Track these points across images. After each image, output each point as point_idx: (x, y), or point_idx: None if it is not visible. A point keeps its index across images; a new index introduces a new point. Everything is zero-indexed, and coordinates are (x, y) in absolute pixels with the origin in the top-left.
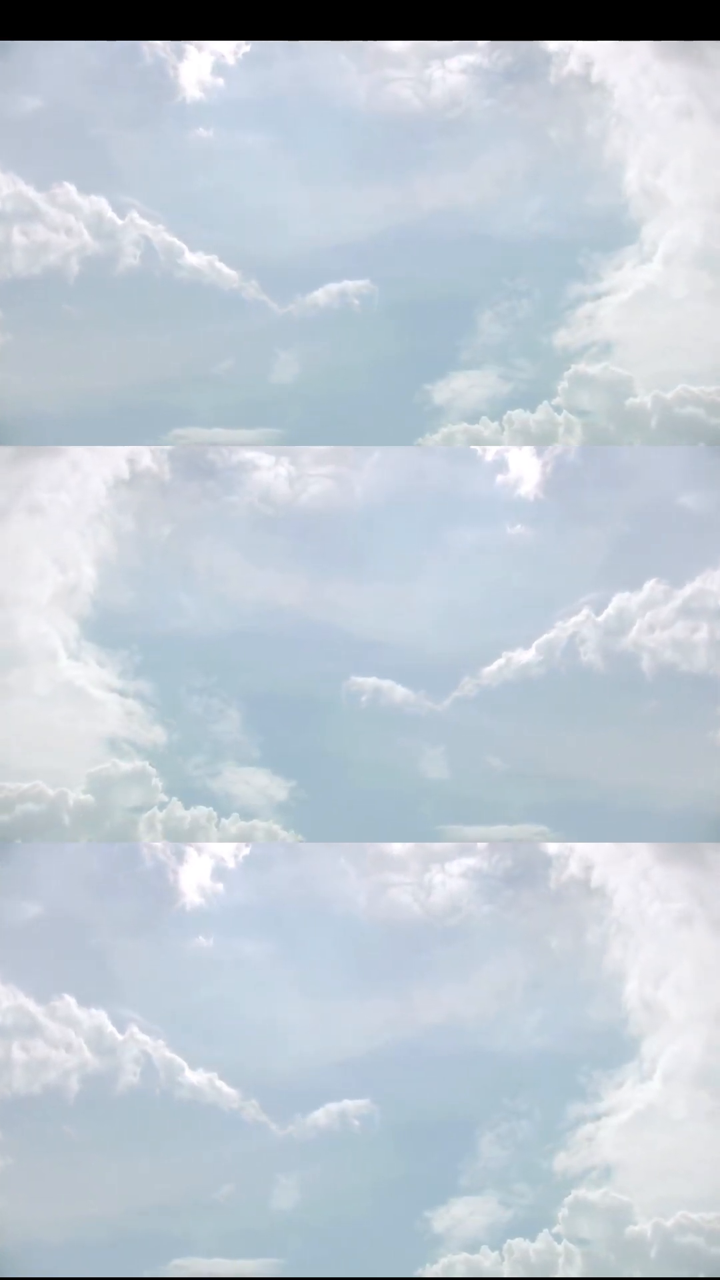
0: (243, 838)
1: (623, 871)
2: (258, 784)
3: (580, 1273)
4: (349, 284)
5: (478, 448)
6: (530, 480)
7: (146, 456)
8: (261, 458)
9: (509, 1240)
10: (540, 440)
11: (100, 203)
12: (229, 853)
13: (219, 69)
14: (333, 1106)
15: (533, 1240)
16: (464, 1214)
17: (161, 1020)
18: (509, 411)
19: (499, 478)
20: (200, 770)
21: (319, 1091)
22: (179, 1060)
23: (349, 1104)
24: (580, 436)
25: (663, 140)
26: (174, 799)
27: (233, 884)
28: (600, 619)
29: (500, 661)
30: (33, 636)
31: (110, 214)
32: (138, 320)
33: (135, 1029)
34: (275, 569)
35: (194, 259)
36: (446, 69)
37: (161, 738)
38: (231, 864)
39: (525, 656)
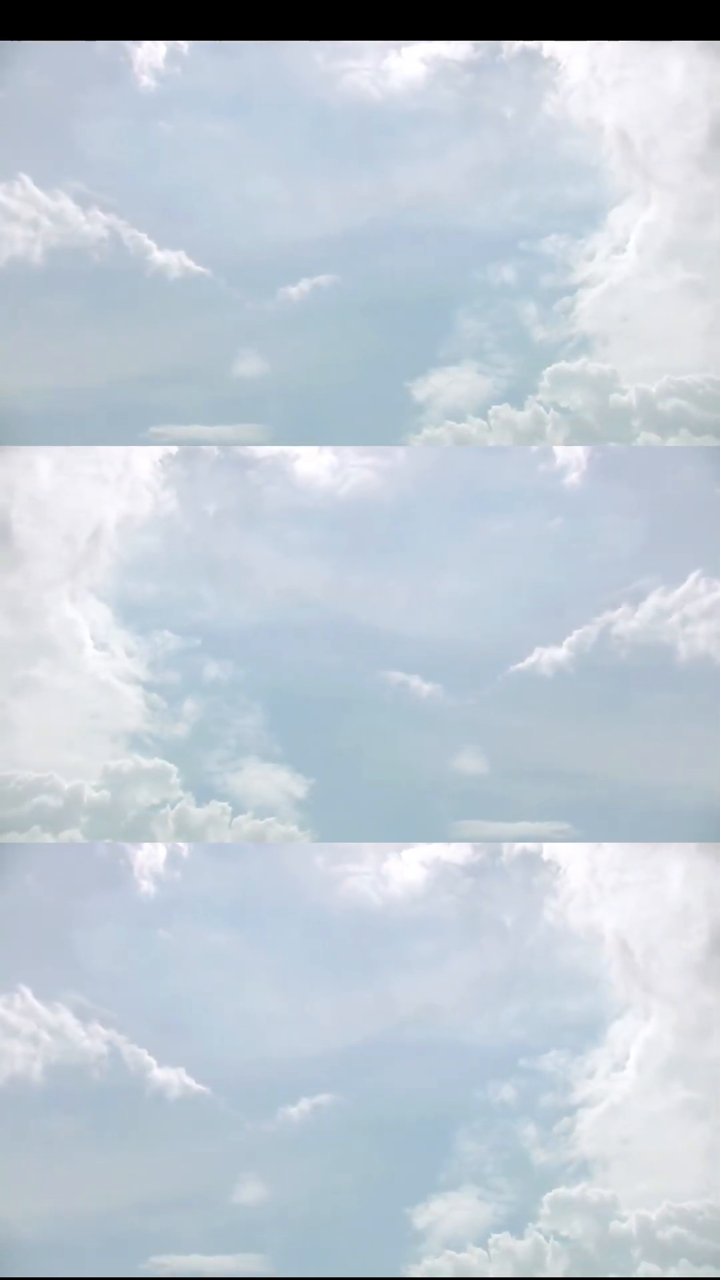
0: (256, 836)
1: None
2: (277, 780)
3: (567, 1266)
4: (322, 279)
5: (538, 446)
6: (567, 475)
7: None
8: (303, 449)
9: (493, 1235)
10: (528, 437)
11: (65, 197)
12: (186, 843)
13: (183, 61)
14: (305, 1102)
15: (518, 1235)
16: (444, 1210)
17: (130, 1015)
18: (493, 407)
19: (536, 472)
20: (221, 766)
21: (291, 1086)
22: (147, 1056)
23: (322, 1098)
24: (567, 433)
25: (624, 118)
26: (188, 795)
27: (193, 874)
28: (636, 613)
29: (532, 658)
30: (60, 626)
31: (75, 208)
32: (108, 316)
33: (99, 1024)
34: (310, 561)
35: (164, 255)
36: (404, 59)
37: (182, 732)
38: (193, 855)
39: (557, 653)
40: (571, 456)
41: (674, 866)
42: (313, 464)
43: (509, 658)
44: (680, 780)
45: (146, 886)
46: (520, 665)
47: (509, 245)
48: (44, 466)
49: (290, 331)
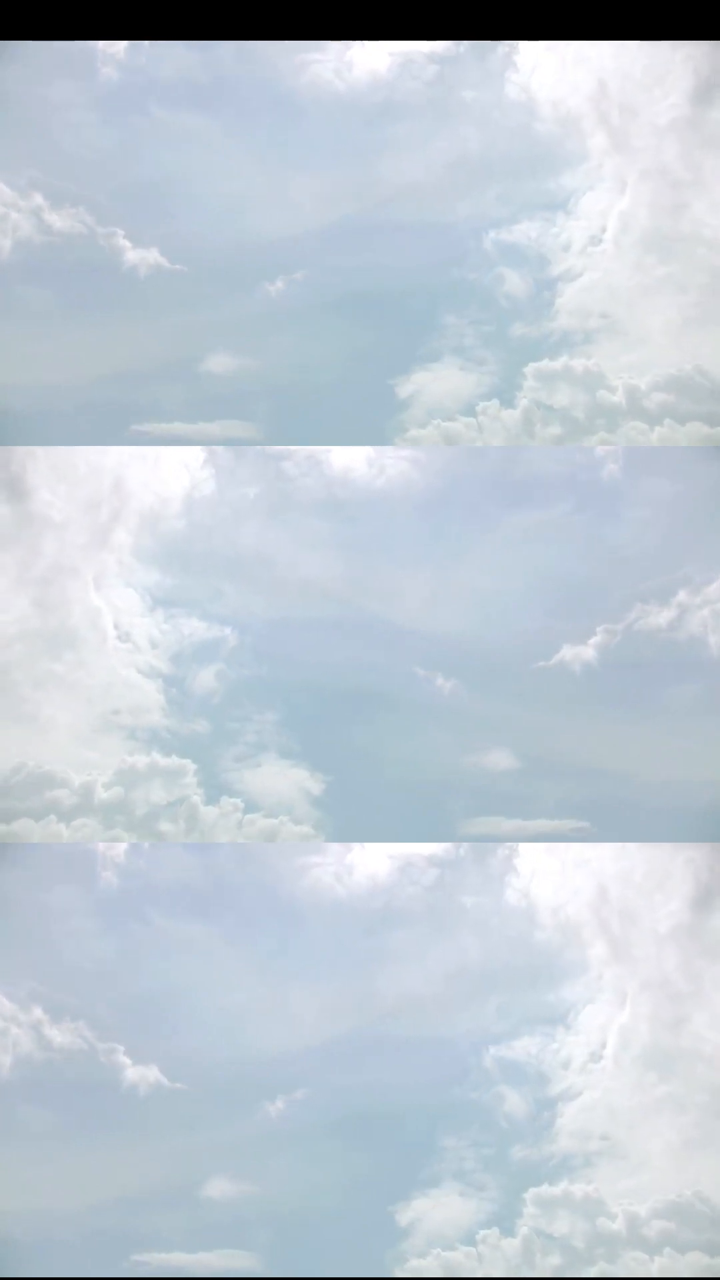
0: (268, 834)
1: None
2: (294, 777)
3: (556, 1264)
4: (300, 274)
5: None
6: (596, 471)
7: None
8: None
9: (481, 1231)
10: (518, 435)
11: (37, 194)
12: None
13: (153, 54)
14: (281, 1099)
15: (507, 1231)
16: (428, 1207)
17: (106, 1012)
18: (481, 404)
19: (564, 468)
20: (238, 763)
21: (269, 1083)
22: (123, 1052)
23: (299, 1094)
24: (558, 429)
25: (596, 103)
26: (201, 793)
27: (163, 868)
28: (663, 610)
29: (558, 654)
30: (84, 617)
31: (47, 204)
32: (85, 313)
33: (71, 1020)
34: (333, 555)
35: (139, 252)
36: (367, 50)
37: (201, 728)
38: (162, 850)
39: (583, 650)
40: (603, 453)
41: (643, 851)
42: (347, 458)
43: (534, 654)
44: (706, 778)
45: (114, 880)
46: (546, 663)
47: (486, 238)
48: (75, 457)
49: (271, 328)
